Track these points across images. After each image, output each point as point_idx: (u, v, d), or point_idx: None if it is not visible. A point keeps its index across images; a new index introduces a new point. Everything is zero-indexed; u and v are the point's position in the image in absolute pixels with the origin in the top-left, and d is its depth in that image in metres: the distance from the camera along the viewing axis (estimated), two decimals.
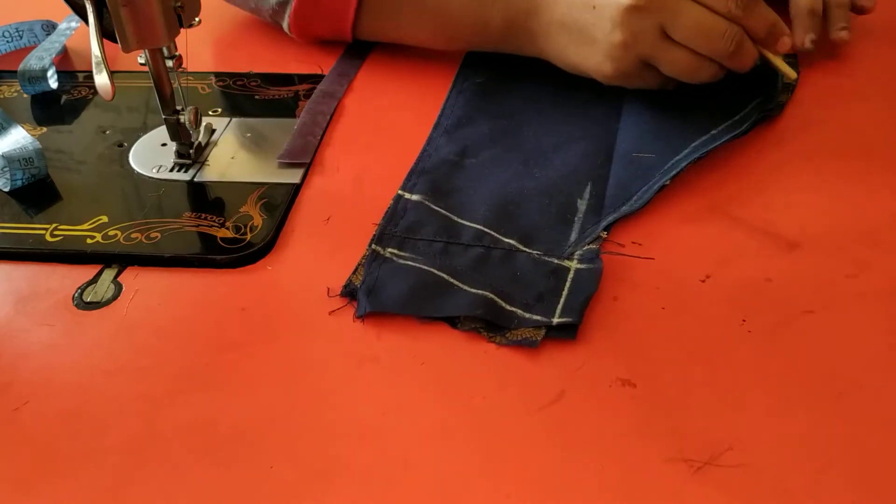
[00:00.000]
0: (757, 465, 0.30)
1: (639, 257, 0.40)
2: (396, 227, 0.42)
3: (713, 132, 0.47)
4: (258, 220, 0.43)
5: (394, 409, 0.33)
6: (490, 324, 0.36)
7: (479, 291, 0.37)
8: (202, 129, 0.49)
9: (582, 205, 0.43)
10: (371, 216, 0.43)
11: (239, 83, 0.56)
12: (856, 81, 0.53)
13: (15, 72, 0.56)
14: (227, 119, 0.52)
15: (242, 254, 0.41)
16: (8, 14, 0.64)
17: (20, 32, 0.61)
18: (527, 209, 0.43)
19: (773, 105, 0.49)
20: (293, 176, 0.46)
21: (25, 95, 0.55)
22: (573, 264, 0.39)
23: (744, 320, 0.36)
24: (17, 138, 0.47)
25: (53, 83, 0.56)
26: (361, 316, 0.37)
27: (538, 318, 0.36)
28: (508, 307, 0.37)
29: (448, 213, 0.42)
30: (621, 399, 0.33)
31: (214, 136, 0.50)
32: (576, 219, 0.42)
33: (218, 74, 0.57)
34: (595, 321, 0.37)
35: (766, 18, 0.47)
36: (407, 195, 0.44)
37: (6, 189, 0.46)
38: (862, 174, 0.45)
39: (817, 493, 0.29)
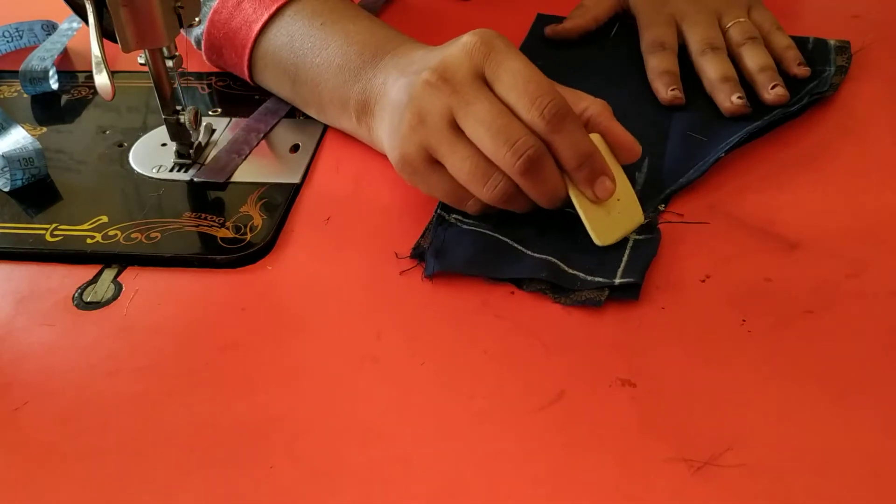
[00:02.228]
0: (757, 465, 0.30)
1: (695, 222, 0.41)
2: None
3: (765, 117, 0.47)
4: (258, 220, 0.43)
5: (394, 409, 0.33)
6: (554, 286, 0.38)
7: (542, 256, 0.39)
8: (202, 129, 0.49)
9: (640, 177, 0.44)
10: (371, 216, 0.43)
11: (239, 83, 0.56)
12: (856, 82, 0.53)
13: (15, 72, 0.56)
14: (227, 119, 0.52)
15: (242, 254, 0.41)
16: (8, 14, 0.64)
17: (20, 32, 0.61)
18: None
19: (827, 88, 0.50)
20: (293, 176, 0.46)
21: (25, 95, 0.55)
22: (632, 235, 0.40)
23: (744, 320, 0.36)
24: (17, 138, 0.47)
25: (54, 84, 0.56)
26: (430, 275, 0.39)
27: (600, 279, 0.38)
28: (570, 270, 0.38)
29: None
30: (621, 399, 0.33)
31: (214, 136, 0.50)
32: (636, 190, 0.42)
33: (218, 74, 0.57)
34: (595, 321, 0.37)
35: (579, 144, 0.37)
36: None
37: (6, 189, 0.46)
38: (862, 174, 0.45)
39: (817, 493, 0.29)
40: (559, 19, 0.58)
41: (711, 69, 0.50)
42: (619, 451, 0.31)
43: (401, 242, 0.41)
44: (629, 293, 0.37)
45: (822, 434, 0.31)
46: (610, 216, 0.39)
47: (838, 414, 0.32)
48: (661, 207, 0.42)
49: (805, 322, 0.36)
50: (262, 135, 0.50)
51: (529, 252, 0.39)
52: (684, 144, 0.46)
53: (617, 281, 0.37)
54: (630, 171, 0.43)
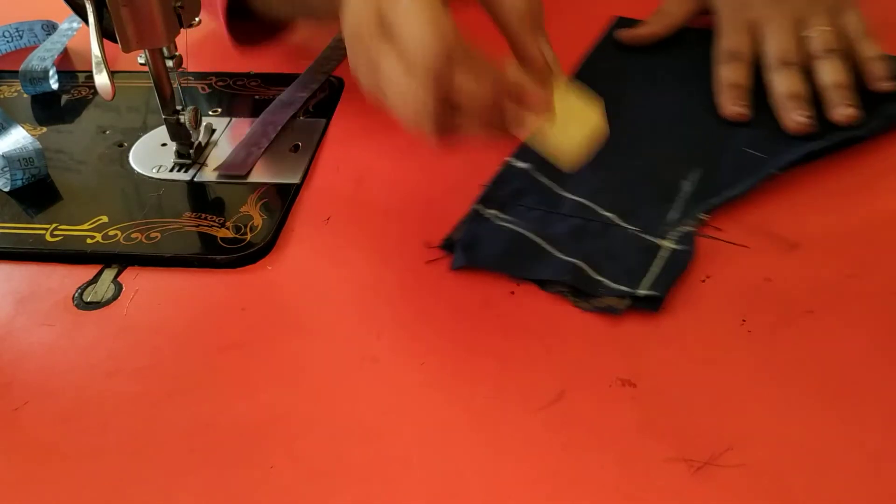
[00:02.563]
0: (757, 465, 0.30)
1: (733, 243, 0.40)
2: (502, 191, 0.44)
3: (831, 136, 0.45)
4: (258, 220, 0.43)
5: (394, 409, 0.33)
6: (576, 289, 0.38)
7: (571, 259, 0.39)
8: (202, 129, 0.49)
9: (687, 185, 0.44)
10: (371, 216, 0.43)
11: (239, 83, 0.56)
12: None
13: (15, 72, 0.56)
14: (227, 119, 0.52)
15: (242, 254, 0.41)
16: (8, 14, 0.64)
17: (20, 32, 0.61)
18: (630, 185, 0.44)
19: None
20: (293, 176, 0.46)
21: (25, 95, 0.55)
22: (667, 244, 0.40)
23: (744, 320, 0.36)
24: (17, 138, 0.47)
25: (54, 84, 0.56)
26: (456, 268, 0.39)
27: (623, 288, 0.37)
28: (596, 276, 0.38)
29: (552, 184, 0.44)
30: (621, 399, 0.33)
31: (214, 136, 0.50)
32: (677, 198, 0.42)
33: (218, 74, 0.57)
34: (595, 321, 0.37)
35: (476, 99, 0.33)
36: (516, 163, 0.45)
37: (6, 189, 0.46)
38: (862, 174, 0.45)
39: (817, 493, 0.29)
40: (635, 22, 0.57)
41: (780, 85, 0.48)
42: (619, 451, 0.31)
43: (401, 242, 0.41)
44: (650, 305, 0.37)
45: (822, 434, 0.31)
46: (566, 134, 0.36)
47: (838, 414, 0.32)
48: (704, 217, 0.41)
49: (805, 322, 0.36)
50: (278, 127, 0.50)
51: (559, 254, 0.39)
52: (739, 159, 0.45)
53: (641, 292, 0.37)
54: (677, 180, 0.43)
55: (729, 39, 0.51)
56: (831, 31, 0.49)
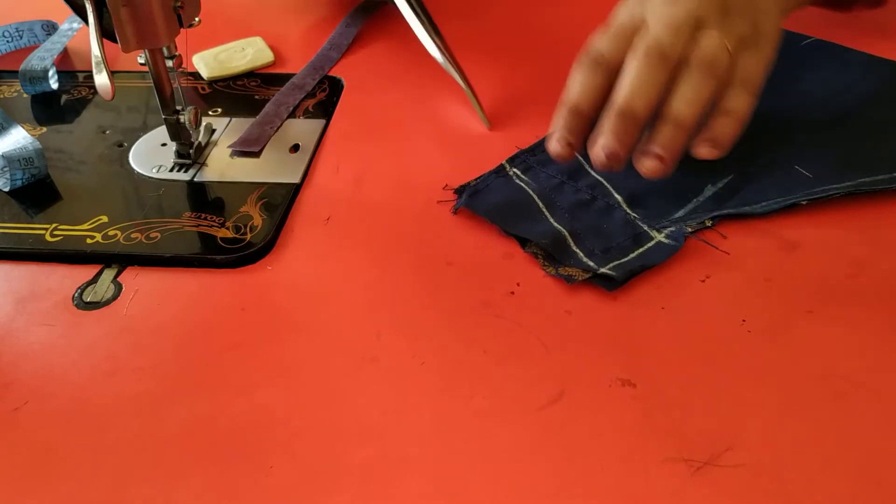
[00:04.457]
0: (757, 465, 0.30)
1: (716, 248, 0.40)
2: (534, 155, 0.46)
3: (881, 176, 0.42)
4: (258, 220, 0.43)
5: (394, 409, 0.33)
6: (549, 255, 0.39)
7: (559, 227, 0.41)
8: (202, 129, 0.49)
9: (710, 190, 0.43)
10: (371, 216, 0.43)
11: (239, 83, 0.56)
12: None
13: (15, 72, 0.56)
14: (227, 119, 0.52)
15: (242, 254, 0.41)
16: (8, 14, 0.64)
17: (20, 32, 0.61)
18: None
19: None
20: (293, 176, 0.46)
21: (25, 95, 0.55)
22: (658, 236, 0.40)
23: (744, 320, 0.36)
24: (17, 138, 0.47)
25: (54, 84, 0.56)
26: (455, 211, 0.42)
27: (591, 263, 0.39)
28: (573, 248, 0.40)
29: (583, 160, 0.45)
30: (621, 399, 0.33)
31: (214, 136, 0.50)
32: (694, 200, 0.42)
33: None
34: (595, 321, 0.37)
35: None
36: None
37: (6, 189, 0.46)
38: None
39: (817, 493, 0.29)
40: None
41: (624, 79, 0.38)
42: (619, 451, 0.31)
43: (401, 242, 0.42)
44: (608, 284, 0.38)
45: (822, 434, 0.31)
46: None
47: (838, 414, 0.32)
48: (709, 223, 0.41)
49: (805, 322, 0.36)
50: (291, 108, 0.52)
51: (551, 220, 0.41)
52: (780, 175, 0.43)
53: (602, 270, 0.38)
54: (703, 183, 0.43)
55: (602, 37, 0.40)
56: (721, 43, 0.38)
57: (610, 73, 0.39)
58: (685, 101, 0.37)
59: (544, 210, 0.42)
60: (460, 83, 0.50)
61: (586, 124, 0.39)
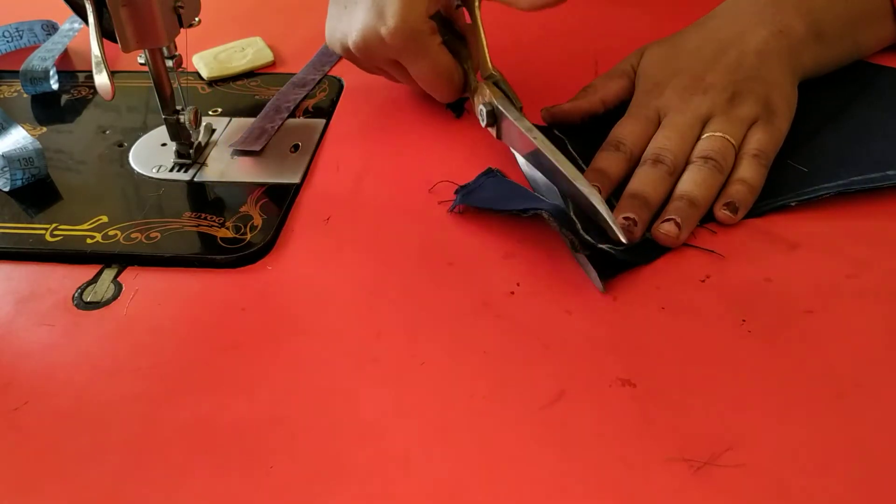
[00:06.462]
0: (757, 465, 0.30)
1: (705, 249, 0.40)
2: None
3: (873, 175, 0.42)
4: (258, 220, 0.43)
5: (394, 409, 0.33)
6: (552, 215, 0.39)
7: (556, 203, 0.41)
8: (202, 129, 0.49)
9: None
10: (371, 216, 0.43)
11: (239, 83, 0.56)
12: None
13: (15, 72, 0.56)
14: (227, 119, 0.52)
15: (242, 254, 0.41)
16: (8, 14, 0.64)
17: (20, 32, 0.61)
18: None
19: None
20: (293, 176, 0.46)
21: (25, 95, 0.55)
22: (648, 235, 0.41)
23: (744, 320, 0.36)
24: (17, 138, 0.47)
25: (55, 84, 0.56)
26: (451, 210, 0.43)
27: (588, 238, 0.39)
28: (573, 217, 0.41)
29: (577, 157, 0.47)
30: (621, 399, 0.33)
31: (214, 136, 0.50)
32: None
33: None
34: (595, 321, 0.37)
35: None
36: (555, 130, 0.49)
37: (6, 189, 0.46)
38: None
39: (817, 493, 0.29)
40: None
41: (633, 181, 0.43)
42: (619, 451, 0.31)
43: (401, 242, 0.42)
44: (601, 262, 0.38)
45: (822, 434, 0.31)
46: None
47: (838, 414, 0.32)
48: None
49: (805, 322, 0.36)
50: (292, 107, 0.52)
51: (546, 201, 0.41)
52: (773, 171, 0.43)
53: (601, 246, 0.39)
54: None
55: (622, 127, 0.46)
56: (721, 137, 0.43)
57: (630, 159, 0.45)
58: (692, 182, 0.42)
59: (541, 196, 0.43)
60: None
61: (608, 189, 0.44)
